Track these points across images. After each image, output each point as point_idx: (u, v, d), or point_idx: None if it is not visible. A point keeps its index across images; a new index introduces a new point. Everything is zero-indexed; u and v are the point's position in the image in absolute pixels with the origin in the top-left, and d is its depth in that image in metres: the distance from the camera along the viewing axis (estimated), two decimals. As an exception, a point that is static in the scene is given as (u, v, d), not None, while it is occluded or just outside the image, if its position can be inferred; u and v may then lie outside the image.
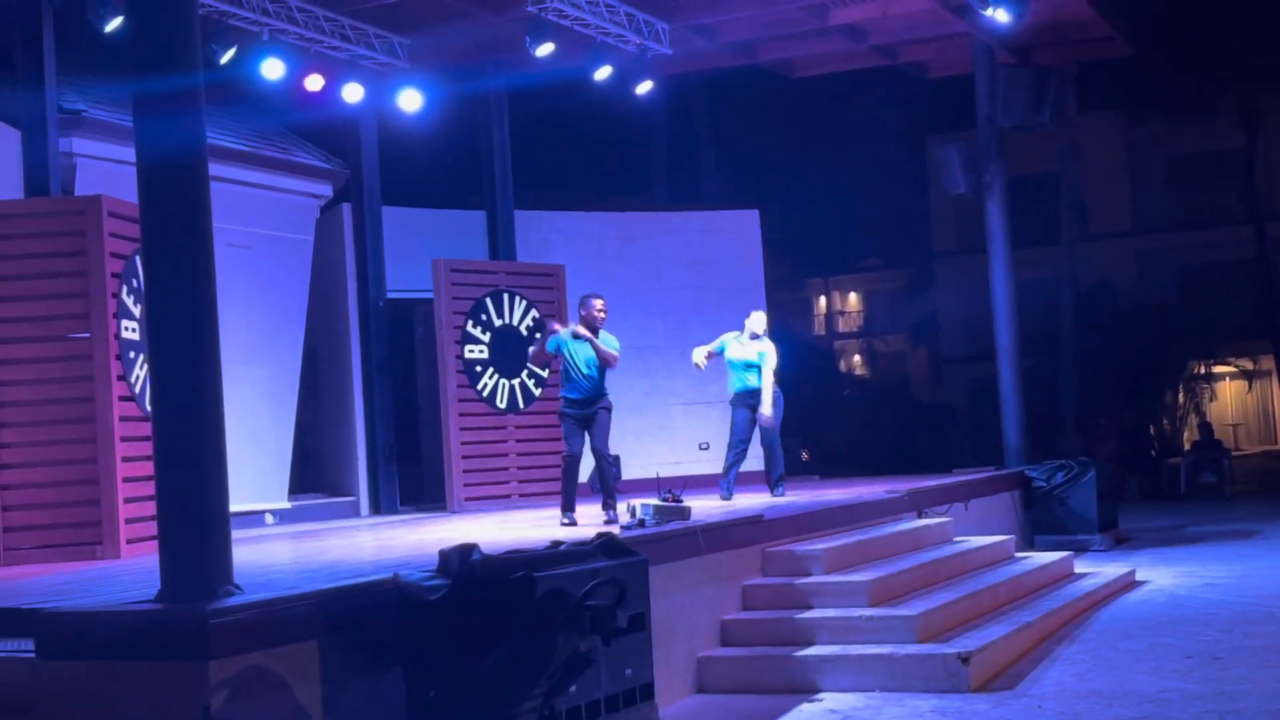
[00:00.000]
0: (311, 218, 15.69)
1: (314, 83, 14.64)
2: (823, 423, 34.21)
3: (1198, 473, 23.55)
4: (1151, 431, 29.23)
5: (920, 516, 12.64)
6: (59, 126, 12.27)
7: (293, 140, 16.03)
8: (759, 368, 13.08)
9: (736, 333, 13.35)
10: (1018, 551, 13.09)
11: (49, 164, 11.93)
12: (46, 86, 11.95)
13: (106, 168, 12.65)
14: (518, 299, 15.82)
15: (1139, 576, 13.21)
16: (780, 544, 10.31)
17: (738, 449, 13.27)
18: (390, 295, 16.07)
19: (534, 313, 15.87)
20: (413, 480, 16.49)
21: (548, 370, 15.41)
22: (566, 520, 10.98)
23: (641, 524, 9.59)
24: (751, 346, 13.20)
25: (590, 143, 25.62)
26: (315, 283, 15.60)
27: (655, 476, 11.39)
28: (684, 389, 17.66)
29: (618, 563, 7.08)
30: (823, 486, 16.13)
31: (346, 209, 16.04)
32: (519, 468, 15.54)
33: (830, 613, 9.50)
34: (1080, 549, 15.10)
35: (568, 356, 11.22)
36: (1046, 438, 24.30)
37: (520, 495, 15.37)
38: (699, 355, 13.20)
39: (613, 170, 26.72)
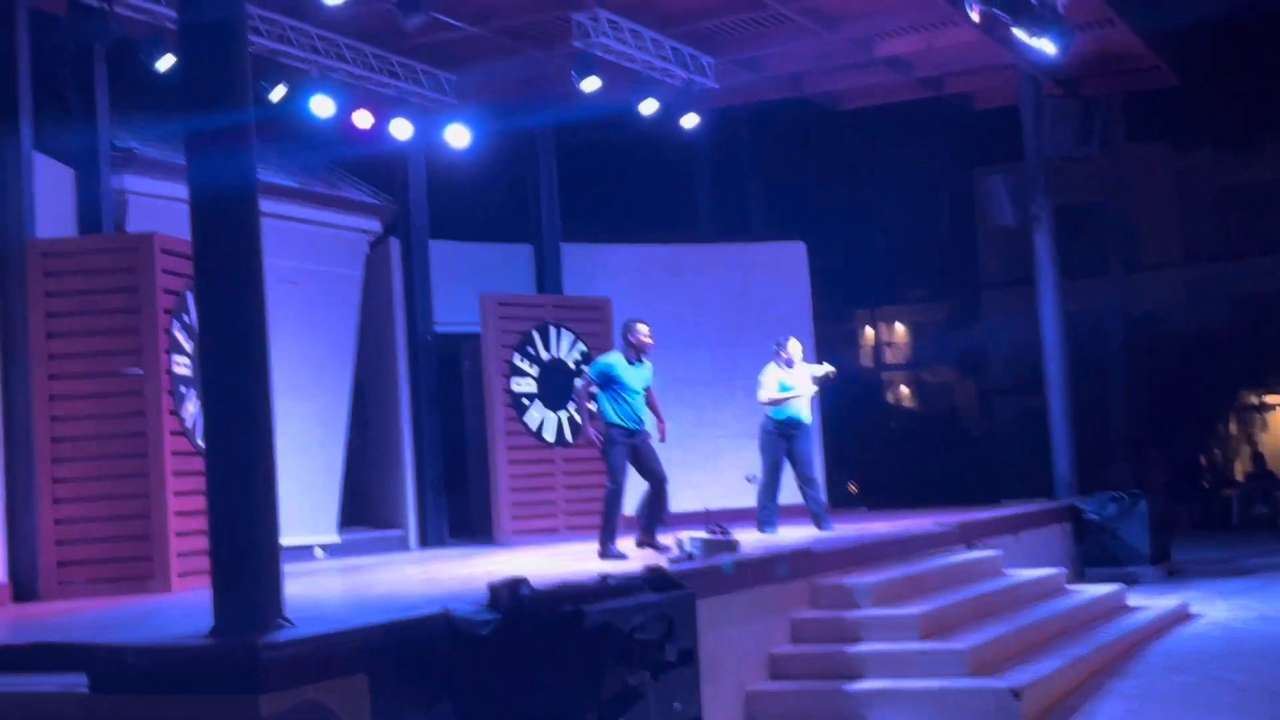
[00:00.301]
0: (361, 253, 15.79)
1: (363, 119, 14.77)
2: (870, 454, 34.07)
3: (1250, 504, 23.33)
4: (1203, 462, 28.97)
5: (970, 549, 12.57)
6: (111, 164, 12.39)
7: (342, 176, 16.15)
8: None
9: (775, 363, 13.32)
10: (1069, 584, 13.00)
11: (102, 201, 12.05)
12: (99, 125, 12.08)
13: (158, 204, 12.77)
14: (564, 332, 15.86)
15: (1192, 609, 13.08)
16: (829, 577, 10.27)
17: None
18: (438, 329, 16.14)
19: (581, 346, 15.90)
20: (461, 513, 16.51)
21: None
22: (613, 553, 10.95)
23: (689, 557, 9.58)
24: (803, 371, 13.24)
25: (636, 175, 25.66)
26: (364, 317, 15.69)
27: (702, 510, 11.35)
28: (730, 421, 17.61)
29: (666, 596, 7.07)
30: (871, 519, 16.05)
31: (395, 244, 16.13)
32: (566, 500, 15.54)
33: (880, 646, 9.45)
34: (1132, 581, 14.96)
35: (622, 382, 11.18)
36: (1096, 469, 24.07)
37: (568, 528, 15.36)
38: (772, 394, 13.11)
39: (658, 203, 26.73)
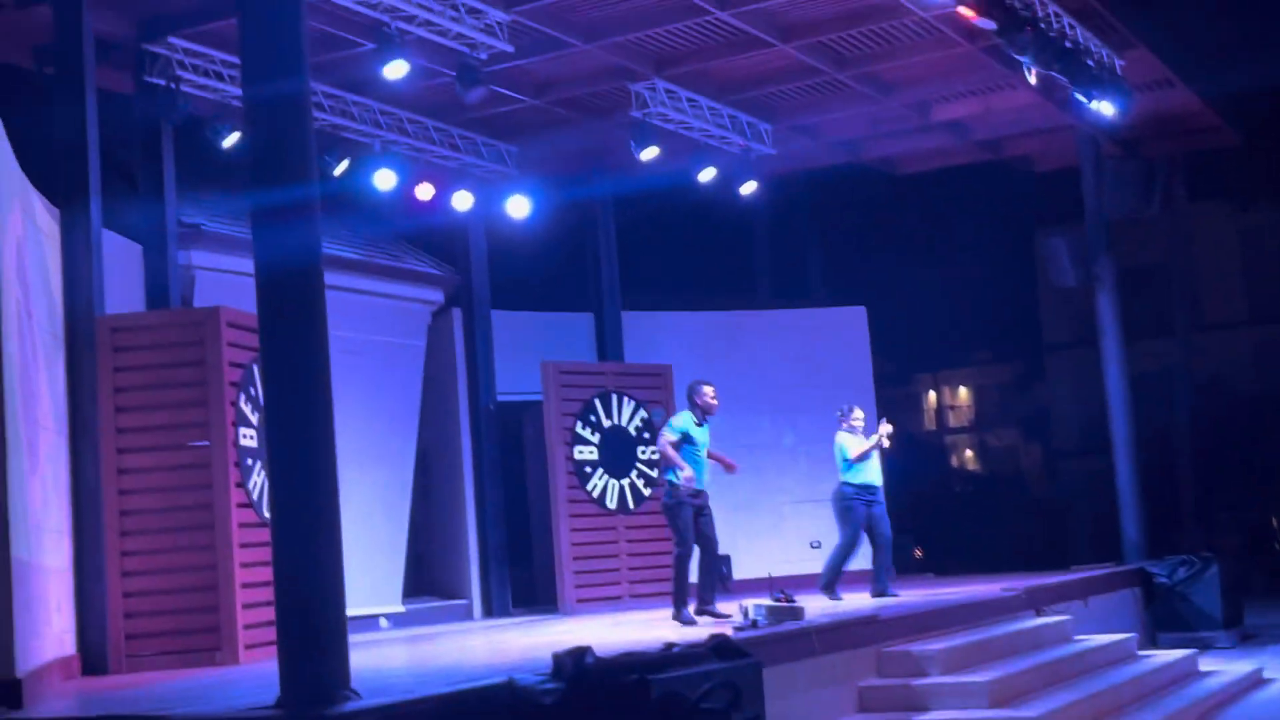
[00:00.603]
0: (423, 323, 15.92)
1: (424, 191, 14.95)
2: (935, 519, 33.81)
3: (1325, 566, 22.95)
4: (1275, 524, 28.54)
5: (1039, 615, 12.41)
6: (178, 240, 12.60)
7: (404, 248, 16.32)
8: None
9: (843, 430, 13.28)
10: (1140, 650, 12.80)
11: (169, 276, 12.24)
12: (166, 201, 12.29)
13: (225, 279, 12.95)
14: (626, 400, 15.88)
15: (1266, 674, 12.87)
16: (896, 644, 10.17)
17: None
18: (500, 398, 16.21)
19: (642, 413, 15.92)
20: (524, 582, 16.52)
21: (655, 470, 15.42)
22: (686, 618, 10.91)
23: (754, 625, 9.52)
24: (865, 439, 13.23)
25: (695, 242, 25.76)
26: (427, 386, 15.79)
27: (767, 576, 11.30)
28: (794, 486, 17.54)
29: (731, 665, 7.04)
30: (937, 584, 15.90)
31: (457, 314, 16.26)
32: (630, 568, 15.51)
33: (950, 714, 9.34)
34: (1205, 646, 14.71)
35: (694, 442, 11.22)
36: (1166, 532, 23.76)
37: (631, 596, 15.32)
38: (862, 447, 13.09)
39: (717, 269, 26.81)
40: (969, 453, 46.14)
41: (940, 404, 47.28)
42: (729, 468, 11.60)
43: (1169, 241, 27.81)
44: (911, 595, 13.01)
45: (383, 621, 14.30)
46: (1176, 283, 28.69)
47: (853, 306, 19.35)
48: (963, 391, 47.69)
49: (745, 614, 9.85)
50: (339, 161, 13.71)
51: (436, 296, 16.09)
